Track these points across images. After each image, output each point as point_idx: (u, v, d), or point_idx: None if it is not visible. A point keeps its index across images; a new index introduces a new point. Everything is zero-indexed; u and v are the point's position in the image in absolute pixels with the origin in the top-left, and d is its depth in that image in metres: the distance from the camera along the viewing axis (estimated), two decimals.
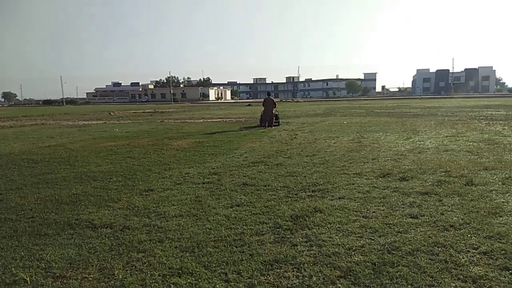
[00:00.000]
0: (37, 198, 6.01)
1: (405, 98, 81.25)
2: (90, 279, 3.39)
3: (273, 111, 17.81)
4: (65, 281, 3.36)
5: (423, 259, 3.56)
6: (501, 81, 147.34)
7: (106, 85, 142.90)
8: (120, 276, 3.41)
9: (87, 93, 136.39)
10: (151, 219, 4.88)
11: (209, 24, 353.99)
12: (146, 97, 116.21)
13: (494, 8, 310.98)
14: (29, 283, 3.35)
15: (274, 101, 18.23)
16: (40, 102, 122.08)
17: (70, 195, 6.11)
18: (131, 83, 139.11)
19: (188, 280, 3.32)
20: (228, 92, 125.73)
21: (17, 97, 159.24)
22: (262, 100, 19.81)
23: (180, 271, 3.47)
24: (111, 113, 37.60)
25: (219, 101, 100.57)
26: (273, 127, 17.14)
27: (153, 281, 3.33)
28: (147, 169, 8.00)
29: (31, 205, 5.64)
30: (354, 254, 3.72)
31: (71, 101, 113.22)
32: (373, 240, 4.04)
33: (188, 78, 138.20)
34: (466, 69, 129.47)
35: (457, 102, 45.05)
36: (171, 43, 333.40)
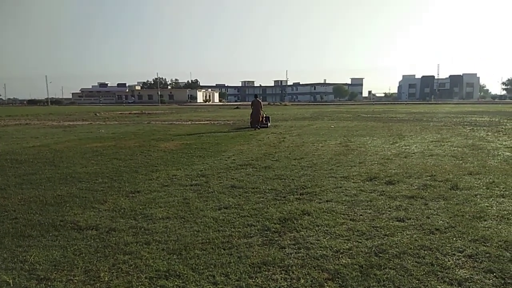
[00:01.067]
0: (21, 199, 5.89)
1: (391, 103, 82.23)
2: (75, 281, 3.33)
3: (261, 113, 18.68)
4: (49, 283, 3.30)
5: (409, 262, 3.60)
6: (485, 88, 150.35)
7: (92, 86, 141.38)
8: (106, 279, 3.36)
9: (72, 94, 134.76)
10: (138, 221, 4.83)
11: (198, 26, 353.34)
12: (133, 98, 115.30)
13: (479, 16, 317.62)
14: (12, 285, 3.27)
15: (261, 102, 19.18)
16: (25, 102, 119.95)
17: (54, 196, 6.01)
18: (118, 84, 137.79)
19: (175, 283, 3.29)
20: (216, 95, 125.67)
21: (0, 97, 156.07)
22: (250, 103, 20.56)
23: (167, 274, 3.44)
24: (97, 114, 37.17)
25: (207, 103, 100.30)
26: (261, 129, 17.38)
27: (140, 283, 3.29)
28: (133, 171, 7.92)
29: (15, 206, 5.53)
30: (341, 256, 3.74)
31: (56, 101, 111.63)
32: (360, 243, 4.07)
33: (176, 79, 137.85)
34: (451, 76, 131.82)
35: (442, 108, 45.78)
36: (160, 44, 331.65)
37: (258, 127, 18.29)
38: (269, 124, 19.15)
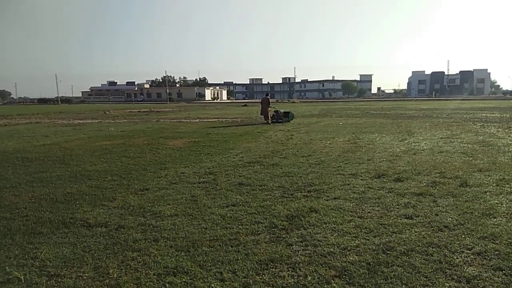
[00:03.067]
0: (32, 196, 5.98)
1: (400, 99, 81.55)
2: (85, 278, 3.38)
3: (269, 109, 20.65)
4: (59, 279, 3.35)
5: (417, 259, 3.58)
6: (496, 84, 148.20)
7: (102, 84, 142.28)
8: (115, 275, 3.41)
9: (82, 92, 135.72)
10: (146, 218, 4.87)
11: (206, 24, 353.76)
12: (142, 96, 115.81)
13: (490, 11, 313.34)
14: (23, 281, 3.33)
15: (269, 100, 21.12)
16: (35, 101, 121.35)
17: (65, 194, 6.09)
18: (127, 82, 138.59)
19: (183, 279, 3.32)
20: (224, 92, 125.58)
21: (11, 96, 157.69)
22: (258, 100, 22.58)
23: (175, 270, 3.47)
24: (107, 112, 37.45)
25: (215, 101, 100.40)
26: (269, 127, 17.40)
27: (148, 280, 3.32)
28: (142, 169, 7.98)
29: (26, 203, 5.61)
30: (349, 254, 3.74)
31: (66, 100, 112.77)
32: (368, 240, 4.06)
33: (184, 77, 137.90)
34: (461, 72, 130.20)
35: (452, 104, 45.29)
36: (168, 42, 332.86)
37: (267, 122, 20.02)
38: (288, 119, 20.54)
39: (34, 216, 5.03)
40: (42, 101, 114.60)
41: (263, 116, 20.79)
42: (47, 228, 4.57)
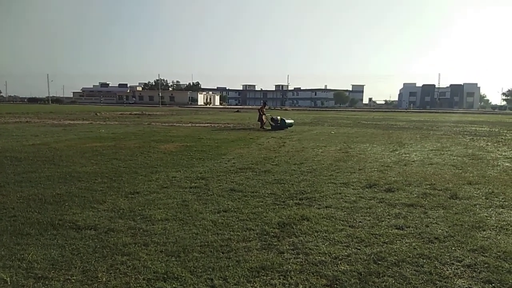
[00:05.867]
0: (20, 197, 5.88)
1: (391, 111, 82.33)
2: (73, 281, 3.33)
3: (263, 115, 21.31)
4: (47, 282, 3.29)
5: (408, 270, 3.60)
6: (485, 98, 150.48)
7: (93, 85, 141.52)
8: (104, 279, 3.36)
9: (73, 93, 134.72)
10: (136, 222, 4.82)
11: (200, 28, 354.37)
12: (134, 99, 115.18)
13: (481, 26, 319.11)
14: (9, 283, 3.27)
15: (261, 106, 22.17)
16: (25, 100, 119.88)
17: (53, 195, 6.00)
18: (119, 84, 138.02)
19: (173, 285, 3.28)
20: (217, 98, 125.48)
21: (1, 94, 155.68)
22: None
23: (165, 276, 3.43)
24: (98, 113, 37.16)
25: (208, 106, 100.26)
26: (261, 133, 17.38)
27: (138, 285, 3.28)
28: (133, 172, 7.91)
29: (13, 204, 5.52)
30: (340, 263, 3.74)
31: (57, 100, 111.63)
32: (359, 249, 4.07)
33: (177, 81, 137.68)
34: (451, 85, 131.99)
35: (442, 117, 45.83)
36: (162, 46, 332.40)
37: (261, 127, 20.70)
38: (285, 127, 20.52)
39: (22, 216, 4.94)
40: (33, 100, 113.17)
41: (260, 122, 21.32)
42: (35, 229, 4.50)
